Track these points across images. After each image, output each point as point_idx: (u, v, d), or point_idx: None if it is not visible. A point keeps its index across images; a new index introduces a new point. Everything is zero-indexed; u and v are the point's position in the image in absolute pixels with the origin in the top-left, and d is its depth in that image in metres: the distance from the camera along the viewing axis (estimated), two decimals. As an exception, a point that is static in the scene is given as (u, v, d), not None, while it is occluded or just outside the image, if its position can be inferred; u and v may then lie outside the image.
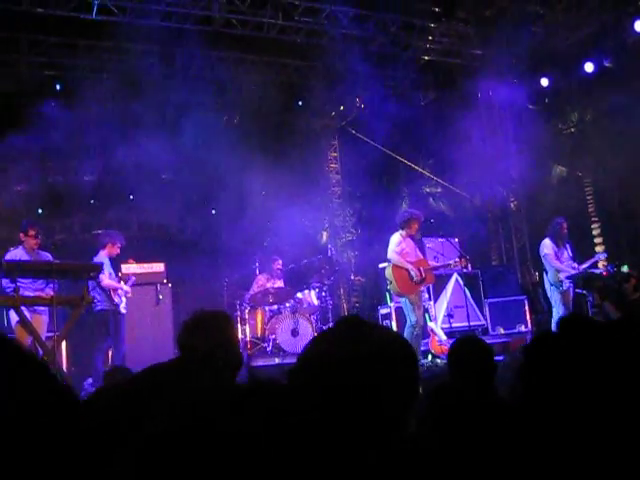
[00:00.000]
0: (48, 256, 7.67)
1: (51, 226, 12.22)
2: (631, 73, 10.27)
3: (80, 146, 11.09)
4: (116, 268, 8.78)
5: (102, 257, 8.48)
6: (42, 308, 7.24)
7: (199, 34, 10.63)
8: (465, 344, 3.64)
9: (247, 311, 10.30)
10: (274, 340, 9.75)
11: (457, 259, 8.91)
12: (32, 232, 7.50)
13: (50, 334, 7.37)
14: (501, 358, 3.79)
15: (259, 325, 10.27)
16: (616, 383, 1.78)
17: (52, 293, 6.96)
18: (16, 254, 7.38)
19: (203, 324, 3.02)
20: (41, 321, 7.34)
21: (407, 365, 1.49)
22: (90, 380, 7.96)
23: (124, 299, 8.50)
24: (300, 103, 13.39)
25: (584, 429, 1.73)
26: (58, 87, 11.38)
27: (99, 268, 7.52)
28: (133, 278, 8.82)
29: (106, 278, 8.29)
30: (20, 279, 6.80)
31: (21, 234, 7.52)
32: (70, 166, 12.16)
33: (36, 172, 11.21)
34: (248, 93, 12.18)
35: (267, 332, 9.99)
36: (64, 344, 8.46)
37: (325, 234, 14.40)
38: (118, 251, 8.64)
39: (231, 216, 12.54)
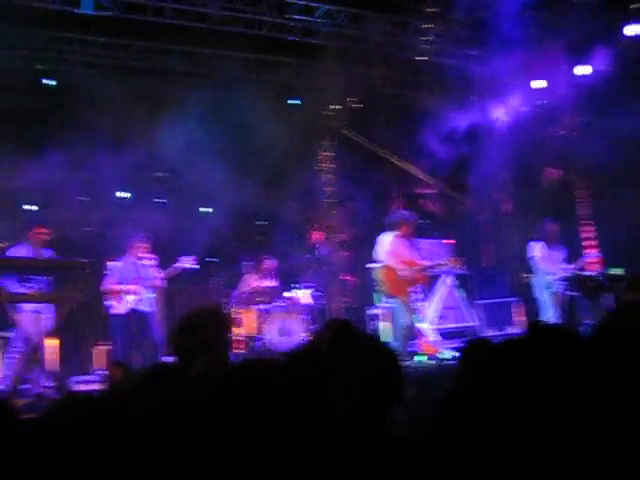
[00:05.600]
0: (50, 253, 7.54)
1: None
2: (622, 76, 10.29)
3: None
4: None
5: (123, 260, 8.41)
6: (35, 306, 7.03)
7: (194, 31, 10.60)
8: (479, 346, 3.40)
9: (235, 310, 10.24)
10: (262, 339, 9.70)
11: (449, 259, 8.87)
12: (38, 230, 7.42)
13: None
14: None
15: (247, 324, 10.22)
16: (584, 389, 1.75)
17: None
18: (18, 251, 7.30)
19: (192, 322, 2.79)
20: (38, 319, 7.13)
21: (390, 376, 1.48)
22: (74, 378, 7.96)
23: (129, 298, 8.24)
24: (293, 102, 13.33)
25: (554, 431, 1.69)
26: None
27: (88, 266, 7.23)
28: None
29: (108, 283, 8.19)
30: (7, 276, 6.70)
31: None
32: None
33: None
34: (243, 91, 12.10)
35: (255, 331, 9.94)
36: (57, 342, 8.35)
37: (315, 233, 14.34)
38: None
39: (221, 214, 12.46)
